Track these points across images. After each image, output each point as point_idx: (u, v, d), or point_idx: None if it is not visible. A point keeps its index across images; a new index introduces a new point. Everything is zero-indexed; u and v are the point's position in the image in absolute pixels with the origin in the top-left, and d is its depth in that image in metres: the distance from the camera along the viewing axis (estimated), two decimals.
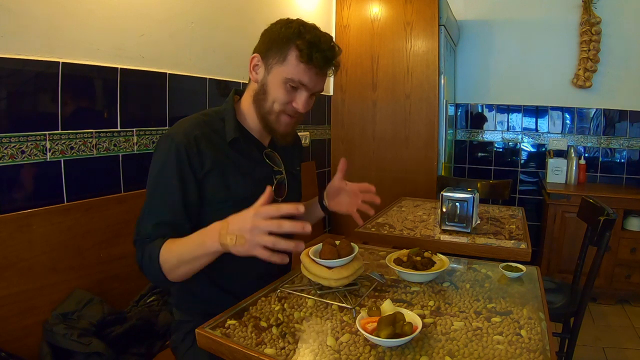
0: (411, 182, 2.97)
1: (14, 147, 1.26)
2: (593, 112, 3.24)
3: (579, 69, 3.15)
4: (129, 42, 1.61)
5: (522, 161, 3.48)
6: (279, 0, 2.57)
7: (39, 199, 1.33)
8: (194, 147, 1.01)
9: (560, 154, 3.21)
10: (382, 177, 3.06)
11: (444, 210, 1.67)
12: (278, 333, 0.84)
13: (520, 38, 3.34)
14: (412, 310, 0.88)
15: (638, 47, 3.06)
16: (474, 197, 1.63)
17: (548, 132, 3.37)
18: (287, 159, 1.22)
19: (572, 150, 3.15)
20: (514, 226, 1.77)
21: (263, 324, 0.88)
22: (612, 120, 3.21)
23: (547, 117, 3.36)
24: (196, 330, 0.86)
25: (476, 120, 3.58)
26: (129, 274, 1.49)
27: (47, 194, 1.36)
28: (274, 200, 0.86)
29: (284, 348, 0.79)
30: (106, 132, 1.54)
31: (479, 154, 3.60)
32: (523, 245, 1.50)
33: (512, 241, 1.55)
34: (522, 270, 1.15)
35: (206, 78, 1.99)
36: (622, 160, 3.21)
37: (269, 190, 0.86)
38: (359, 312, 0.88)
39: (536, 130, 3.42)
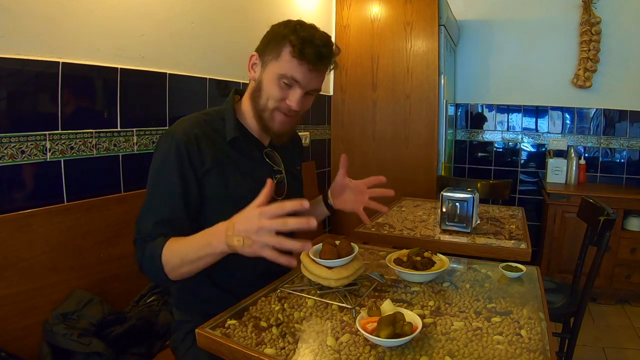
0: (411, 182, 2.97)
1: (14, 147, 1.26)
2: (593, 112, 3.24)
3: (579, 69, 3.15)
4: (129, 42, 1.61)
5: (522, 161, 3.48)
6: (279, 0, 2.57)
7: (39, 199, 1.33)
8: (194, 145, 1.01)
9: (560, 154, 3.21)
10: None
11: (444, 210, 1.67)
12: (278, 333, 0.84)
13: (520, 38, 3.34)
14: (412, 310, 0.88)
15: (638, 47, 3.06)
16: (474, 197, 1.63)
17: (548, 132, 3.37)
18: (288, 158, 1.22)
19: (572, 150, 3.15)
20: (514, 226, 1.77)
21: (263, 324, 0.88)
22: (612, 120, 3.21)
23: (547, 117, 3.36)
24: (196, 330, 0.86)
25: (476, 120, 3.58)
26: (129, 274, 1.49)
27: (47, 194, 1.36)
28: (273, 199, 0.86)
29: (284, 348, 0.79)
30: (106, 132, 1.54)
31: (479, 154, 3.60)
32: (523, 245, 1.50)
33: (512, 241, 1.55)
34: (522, 270, 1.15)
35: (206, 78, 1.99)
36: (622, 160, 3.21)
37: (269, 183, 0.85)
38: (359, 312, 0.88)
39: (536, 130, 3.42)
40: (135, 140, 1.64)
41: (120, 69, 1.58)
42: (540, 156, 3.42)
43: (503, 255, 1.48)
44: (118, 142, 1.58)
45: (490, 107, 3.52)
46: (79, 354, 1.18)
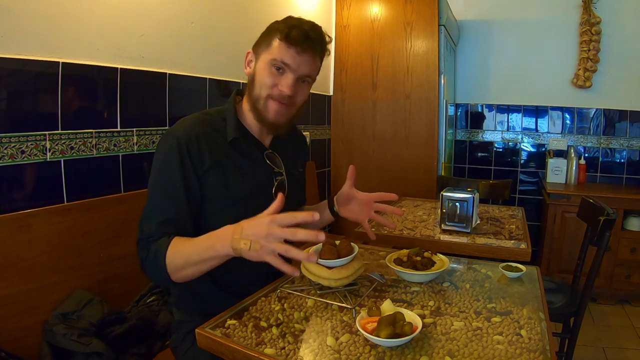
0: (411, 182, 2.97)
1: (14, 147, 1.26)
2: (593, 112, 3.24)
3: (579, 69, 3.15)
4: (129, 42, 1.61)
5: (522, 161, 3.48)
6: (279, 0, 2.57)
7: (39, 199, 1.33)
8: (195, 145, 1.01)
9: (560, 154, 3.21)
10: (382, 177, 3.06)
11: (444, 210, 1.67)
12: (278, 333, 0.84)
13: (520, 38, 3.34)
14: (412, 310, 0.88)
15: (638, 47, 3.06)
16: (474, 197, 1.63)
17: (548, 132, 3.37)
18: (289, 160, 1.22)
19: (572, 150, 3.15)
20: (514, 226, 1.76)
21: (263, 324, 0.88)
22: (612, 120, 3.21)
23: (547, 117, 3.36)
24: (196, 330, 0.86)
25: (476, 120, 3.58)
26: (129, 274, 1.49)
27: (47, 194, 1.36)
28: (271, 199, 0.86)
29: (284, 348, 0.79)
30: (106, 132, 1.54)
31: (479, 154, 3.60)
32: (523, 245, 1.50)
33: (512, 241, 1.55)
34: (522, 270, 1.15)
35: (206, 78, 1.99)
36: (622, 160, 3.21)
37: (280, 197, 0.85)
38: (359, 312, 0.88)
39: (536, 130, 3.42)
40: (135, 140, 1.64)
41: (120, 69, 1.58)
42: (540, 156, 3.42)
43: (503, 255, 1.48)
44: (118, 142, 1.58)
45: (490, 107, 3.52)
46: (79, 354, 1.18)
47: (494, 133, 3.53)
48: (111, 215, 1.48)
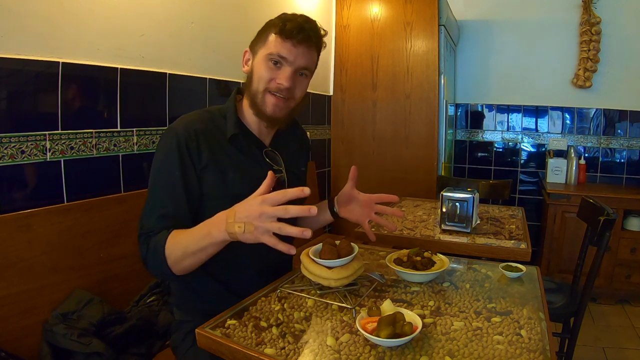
0: (411, 182, 2.97)
1: (14, 147, 1.26)
2: (593, 112, 3.24)
3: (579, 69, 3.15)
4: (129, 42, 1.61)
5: (522, 161, 3.48)
6: (279, 0, 2.57)
7: (39, 199, 1.33)
8: (194, 141, 1.02)
9: (560, 154, 3.21)
10: (382, 177, 3.06)
11: (444, 210, 1.67)
12: (278, 333, 0.84)
13: (520, 38, 3.34)
14: (412, 310, 0.88)
15: (638, 47, 3.06)
16: (474, 197, 1.63)
17: (548, 132, 3.37)
18: (290, 158, 1.22)
19: (572, 150, 3.15)
20: (514, 226, 1.76)
21: (263, 324, 0.88)
22: (612, 120, 3.21)
23: (547, 117, 3.37)
24: (196, 330, 0.86)
25: (476, 120, 3.58)
26: (129, 274, 1.49)
27: (47, 194, 1.36)
28: None
29: (284, 348, 0.79)
30: (106, 132, 1.54)
31: (479, 154, 3.60)
32: (523, 245, 1.50)
33: (512, 241, 1.55)
34: (522, 270, 1.15)
35: (206, 78, 1.99)
36: (622, 160, 3.21)
37: (270, 175, 0.86)
38: (359, 312, 0.88)
39: (536, 130, 3.42)
40: (135, 140, 1.64)
41: (120, 69, 1.58)
42: (540, 156, 3.42)
43: (503, 255, 1.48)
44: (118, 142, 1.58)
45: (490, 107, 3.52)
46: (79, 354, 1.18)
47: (494, 133, 3.53)
48: (111, 215, 1.48)
